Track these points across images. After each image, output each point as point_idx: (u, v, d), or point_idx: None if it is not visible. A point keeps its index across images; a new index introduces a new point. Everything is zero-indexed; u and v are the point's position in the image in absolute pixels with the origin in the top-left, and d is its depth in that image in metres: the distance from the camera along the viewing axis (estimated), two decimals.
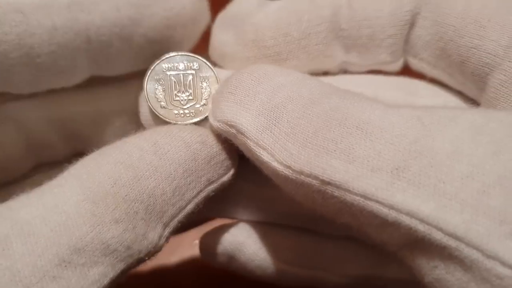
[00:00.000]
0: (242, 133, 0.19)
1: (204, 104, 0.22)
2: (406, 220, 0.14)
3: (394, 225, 0.15)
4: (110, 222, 0.16)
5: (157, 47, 0.22)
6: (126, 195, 0.17)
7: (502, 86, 0.19)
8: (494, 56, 0.19)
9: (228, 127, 0.19)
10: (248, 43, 0.22)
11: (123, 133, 0.23)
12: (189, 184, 0.19)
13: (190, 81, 0.22)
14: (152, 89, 0.21)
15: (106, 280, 0.16)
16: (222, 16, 0.24)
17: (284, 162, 0.17)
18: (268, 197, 0.25)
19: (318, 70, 0.24)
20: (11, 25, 0.18)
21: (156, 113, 0.21)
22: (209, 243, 0.26)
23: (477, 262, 0.13)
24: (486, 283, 0.13)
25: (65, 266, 0.15)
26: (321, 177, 0.16)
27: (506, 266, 0.13)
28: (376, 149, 0.15)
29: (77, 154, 0.25)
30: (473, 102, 0.22)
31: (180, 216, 0.19)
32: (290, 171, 0.17)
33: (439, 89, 0.24)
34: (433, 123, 0.15)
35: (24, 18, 0.18)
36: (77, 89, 0.23)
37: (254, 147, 0.18)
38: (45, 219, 0.16)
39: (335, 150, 0.16)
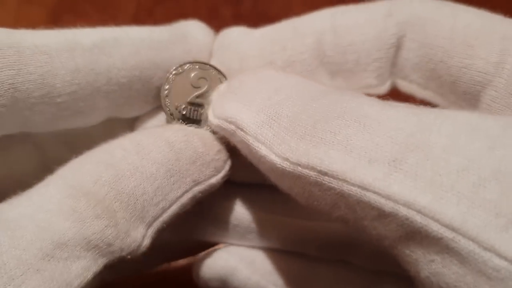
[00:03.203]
0: (241, 129, 0.19)
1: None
2: (403, 210, 0.14)
3: (391, 216, 0.15)
4: (91, 218, 0.17)
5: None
6: (106, 194, 0.17)
7: (494, 102, 0.20)
8: (485, 74, 0.20)
9: (227, 123, 0.20)
10: (232, 72, 0.22)
11: None
12: (173, 184, 0.19)
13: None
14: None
15: (89, 274, 0.16)
16: None
17: (282, 155, 0.17)
18: (260, 221, 0.25)
19: None
20: (36, 65, 0.18)
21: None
22: (202, 267, 0.26)
23: (474, 254, 0.13)
24: (483, 276, 0.13)
25: (49, 260, 0.16)
26: (318, 168, 0.16)
27: (502, 258, 0.13)
28: (374, 141, 0.16)
29: None
30: None
31: (165, 216, 0.19)
32: (288, 163, 0.17)
33: None
34: (429, 118, 0.16)
35: (49, 59, 0.19)
36: None
37: (252, 142, 0.18)
38: (31, 217, 0.16)
39: (333, 142, 0.16)
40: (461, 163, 0.14)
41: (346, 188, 0.16)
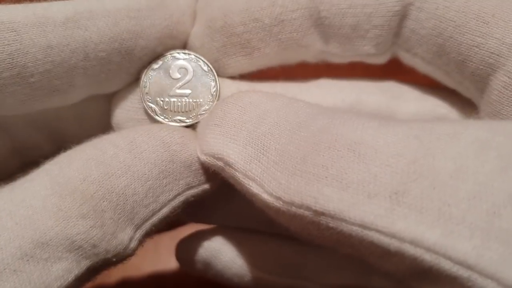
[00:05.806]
0: (229, 165, 0.17)
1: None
2: (410, 249, 0.13)
3: (398, 255, 0.13)
4: (77, 218, 0.16)
5: (157, 56, 0.21)
6: (95, 192, 0.17)
7: (506, 89, 0.18)
8: (498, 55, 0.18)
9: (215, 160, 0.18)
10: (216, 31, 0.20)
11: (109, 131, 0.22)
12: (165, 186, 0.18)
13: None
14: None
15: (70, 277, 0.16)
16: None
17: (274, 193, 0.16)
18: (249, 203, 0.23)
19: (293, 59, 0.22)
20: (3, 44, 0.17)
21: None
22: (185, 249, 0.25)
23: None
24: None
25: (27, 260, 0.15)
26: (313, 208, 0.15)
27: None
28: (372, 172, 0.14)
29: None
30: (468, 102, 0.21)
31: (154, 219, 0.18)
32: (281, 202, 0.16)
33: (426, 93, 0.22)
34: (432, 141, 0.14)
35: (17, 36, 0.17)
36: None
37: (242, 179, 0.17)
38: (11, 213, 0.15)
39: (326, 177, 0.15)
40: (471, 189, 0.13)
41: (345, 228, 0.14)
